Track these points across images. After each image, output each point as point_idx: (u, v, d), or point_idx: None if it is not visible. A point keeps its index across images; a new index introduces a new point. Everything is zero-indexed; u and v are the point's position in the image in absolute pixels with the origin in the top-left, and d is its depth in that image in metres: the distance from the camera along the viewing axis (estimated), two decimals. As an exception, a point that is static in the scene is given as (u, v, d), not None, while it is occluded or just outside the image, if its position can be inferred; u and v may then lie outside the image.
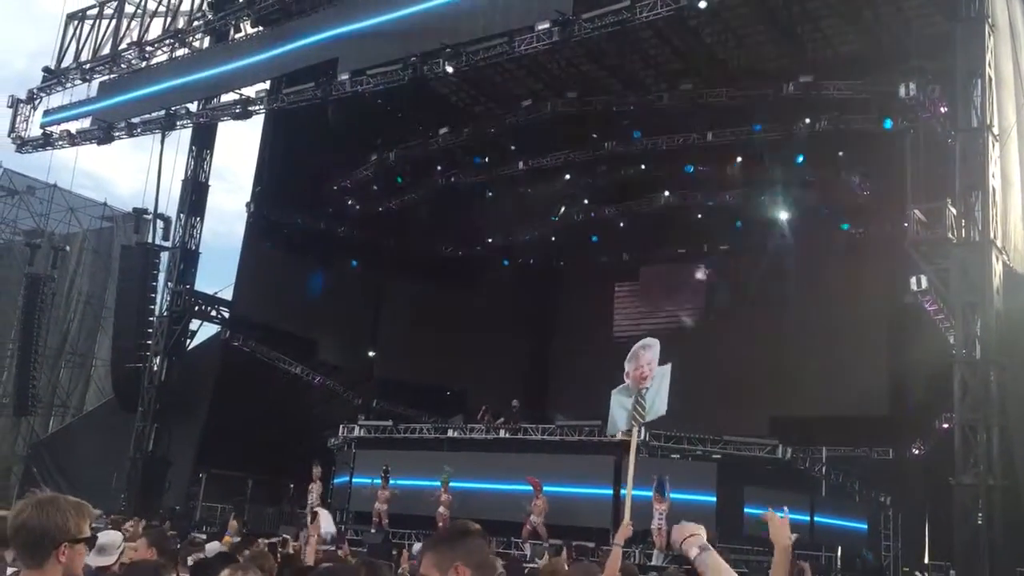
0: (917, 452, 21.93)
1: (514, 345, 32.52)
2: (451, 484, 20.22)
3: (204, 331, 28.01)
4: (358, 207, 29.82)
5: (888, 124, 20.86)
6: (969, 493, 14.92)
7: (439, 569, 2.62)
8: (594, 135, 26.95)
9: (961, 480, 15.08)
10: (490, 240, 32.58)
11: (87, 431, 29.89)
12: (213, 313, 27.63)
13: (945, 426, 19.25)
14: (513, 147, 27.86)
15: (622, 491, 19.35)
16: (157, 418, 25.73)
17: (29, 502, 2.91)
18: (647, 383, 7.55)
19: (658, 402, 7.38)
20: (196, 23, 25.48)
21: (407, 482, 21.44)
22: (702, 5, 17.39)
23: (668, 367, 7.84)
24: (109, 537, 5.28)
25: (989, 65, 16.59)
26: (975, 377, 15.30)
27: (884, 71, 20.97)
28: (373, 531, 20.74)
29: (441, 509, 19.82)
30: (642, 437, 19.69)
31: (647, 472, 19.06)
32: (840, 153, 24.42)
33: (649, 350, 7.80)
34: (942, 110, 18.44)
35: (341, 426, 24.55)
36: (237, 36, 25.73)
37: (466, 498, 20.13)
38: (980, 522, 14.59)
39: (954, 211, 16.15)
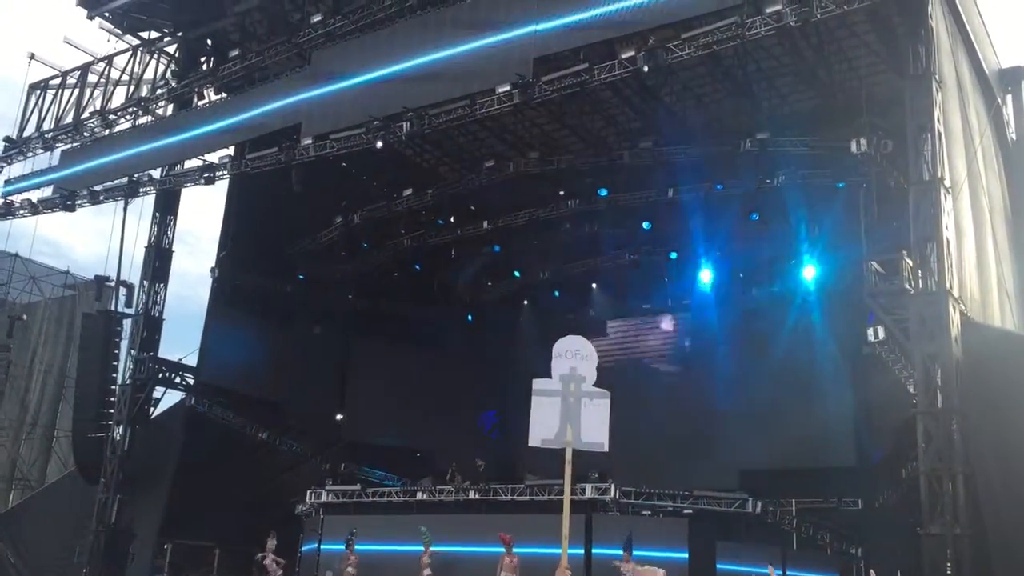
0: (885, 502, 21.99)
1: (482, 403, 32.42)
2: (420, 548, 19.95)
3: (168, 398, 27.63)
4: (324, 269, 29.80)
5: (841, 185, 21.36)
6: (937, 543, 14.95)
7: None
8: (560, 192, 27.31)
9: (929, 530, 15.11)
10: (456, 299, 32.66)
11: (48, 504, 29.11)
12: (177, 380, 27.23)
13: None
14: (477, 207, 28.12)
15: (593, 550, 19.21)
16: (120, 489, 25.18)
17: None
18: None
19: (589, 432, 6.94)
20: (159, 91, 25.58)
21: (378, 547, 21.11)
22: (645, 69, 17.86)
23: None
24: None
25: (938, 120, 17.04)
26: (938, 427, 15.44)
27: (838, 127, 21.50)
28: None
29: (427, 572, 19.53)
30: (613, 495, 19.69)
31: (617, 529, 18.98)
32: (798, 206, 24.87)
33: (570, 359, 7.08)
34: (895, 164, 18.89)
35: (308, 492, 24.20)
36: (200, 103, 25.85)
37: (437, 561, 19.86)
38: (949, 572, 14.60)
39: (910, 262, 16.43)
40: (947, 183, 16.89)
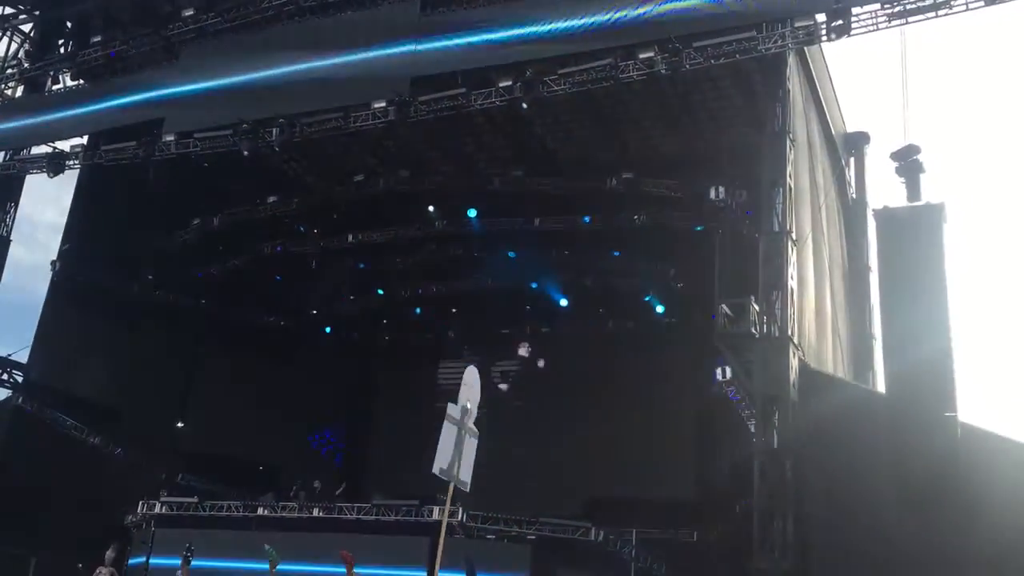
0: (718, 536, 22.84)
1: (333, 420, 31.88)
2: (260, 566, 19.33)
3: (-7, 396, 25.84)
4: (176, 271, 28.60)
5: (699, 228, 22.27)
6: (765, 577, 15.68)
7: None
8: (430, 207, 27.28)
9: (758, 564, 15.84)
10: (314, 312, 32.05)
11: None
12: (5, 376, 25.56)
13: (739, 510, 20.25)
14: (343, 220, 27.75)
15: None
16: (-71, 489, 23.37)
17: None
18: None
19: (464, 470, 7.07)
20: (10, 71, 24.16)
21: (214, 563, 20.31)
22: (524, 106, 18.31)
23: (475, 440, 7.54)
24: None
25: (789, 176, 18.08)
26: (773, 466, 16.24)
27: (698, 173, 22.49)
28: (169, 618, 19.42)
29: None
30: (460, 518, 19.69)
31: (462, 552, 18.97)
32: (658, 245, 25.77)
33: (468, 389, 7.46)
34: (747, 213, 19.90)
35: (140, 502, 23.09)
36: (55, 87, 24.53)
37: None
38: (774, 607, 15.32)
39: (757, 308, 17.28)
40: (794, 235, 17.91)
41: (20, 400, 25.09)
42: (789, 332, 16.98)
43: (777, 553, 15.62)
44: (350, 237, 28.02)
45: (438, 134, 25.70)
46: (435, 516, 19.93)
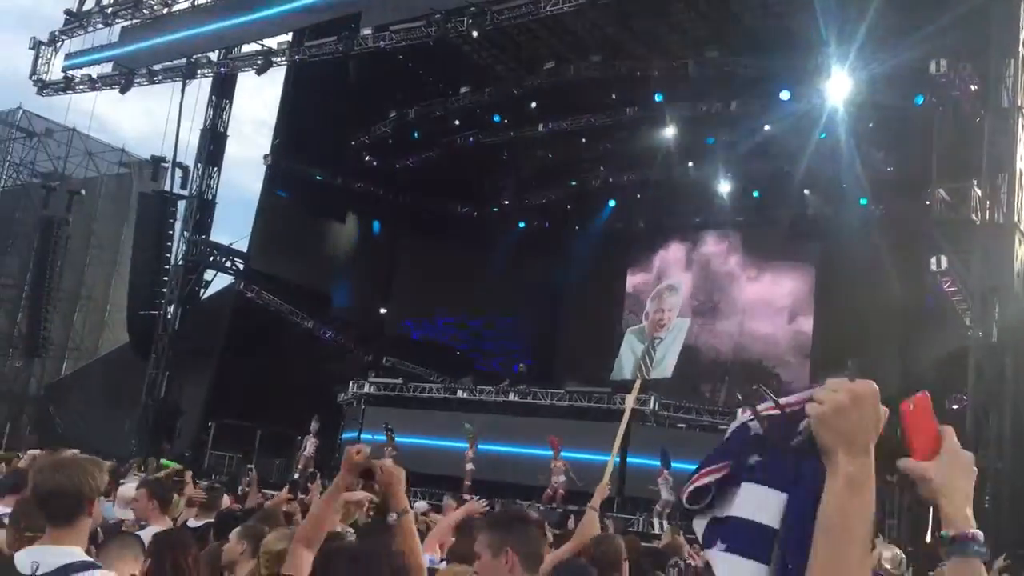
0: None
1: (526, 308, 32.52)
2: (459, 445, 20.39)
3: (218, 281, 28.15)
4: (376, 163, 29.66)
5: (919, 100, 20.46)
6: (977, 476, 14.86)
7: (491, 550, 2.69)
8: (613, 95, 26.53)
9: (972, 462, 15.02)
10: (506, 202, 32.45)
11: (100, 375, 30.16)
12: (228, 264, 27.69)
13: (955, 407, 19.14)
14: (534, 108, 27.58)
15: (628, 459, 19.42)
16: (169, 366, 25.92)
17: (48, 465, 3.00)
18: (662, 332, 7.14)
19: (667, 360, 6.99)
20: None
21: (413, 440, 21.58)
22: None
23: (687, 322, 7.54)
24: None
25: (1022, 44, 16.27)
26: (991, 361, 15.21)
27: (915, 46, 20.59)
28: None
29: (469, 466, 20.06)
30: (652, 406, 19.79)
31: (653, 441, 19.16)
32: (869, 125, 24.04)
33: (673, 295, 7.48)
34: (972, 88, 18.11)
35: (351, 382, 24.67)
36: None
37: (480, 458, 20.29)
38: (987, 506, 14.55)
39: (979, 192, 15.92)
40: (1025, 111, 16.23)
41: (241, 286, 27.12)
42: (1015, 218, 15.58)
43: (992, 451, 14.76)
44: (541, 126, 27.88)
45: (630, 15, 24.83)
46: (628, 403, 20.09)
